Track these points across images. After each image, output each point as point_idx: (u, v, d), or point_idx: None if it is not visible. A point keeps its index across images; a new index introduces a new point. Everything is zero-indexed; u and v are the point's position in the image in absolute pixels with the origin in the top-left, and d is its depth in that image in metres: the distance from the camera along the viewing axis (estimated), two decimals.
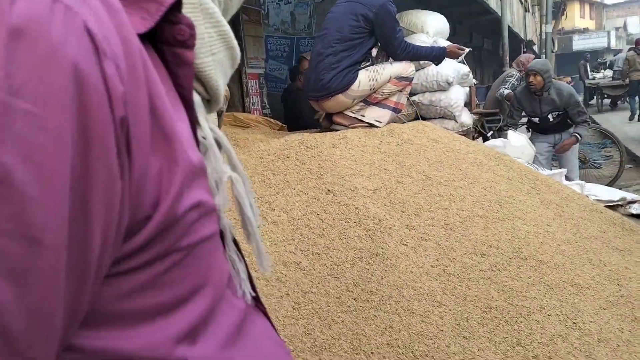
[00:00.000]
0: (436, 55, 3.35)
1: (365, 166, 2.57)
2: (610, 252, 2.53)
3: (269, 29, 8.32)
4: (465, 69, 4.54)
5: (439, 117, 4.53)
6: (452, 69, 4.42)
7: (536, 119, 5.15)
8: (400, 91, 3.26)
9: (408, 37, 4.51)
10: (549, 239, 2.46)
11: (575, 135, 4.96)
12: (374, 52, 3.40)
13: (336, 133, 2.89)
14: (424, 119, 4.50)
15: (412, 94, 4.44)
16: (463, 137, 3.30)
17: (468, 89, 4.86)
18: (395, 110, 3.27)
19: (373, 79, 3.10)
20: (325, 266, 2.04)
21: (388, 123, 3.26)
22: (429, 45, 3.50)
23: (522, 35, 17.25)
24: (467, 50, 3.50)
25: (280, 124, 4.35)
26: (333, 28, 3.15)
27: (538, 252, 2.33)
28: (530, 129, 5.50)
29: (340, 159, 2.57)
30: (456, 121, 4.40)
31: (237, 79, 5.30)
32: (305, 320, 1.85)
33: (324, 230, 2.18)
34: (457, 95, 4.42)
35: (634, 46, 12.88)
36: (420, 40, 4.34)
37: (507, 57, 9.27)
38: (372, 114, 3.21)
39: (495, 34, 13.64)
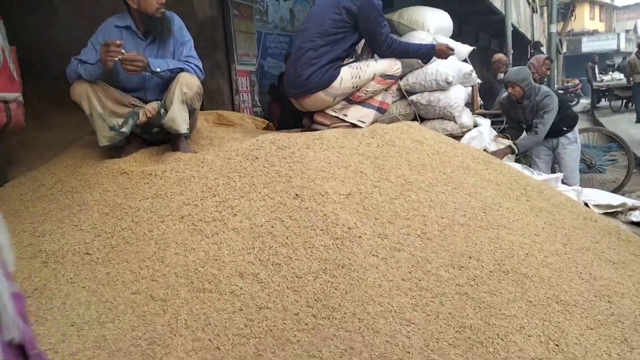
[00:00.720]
0: (424, 54, 3.17)
1: (339, 169, 2.39)
2: (603, 265, 2.34)
3: (268, 26, 8.16)
4: (468, 67, 4.33)
5: (438, 118, 4.33)
6: (453, 67, 4.22)
7: (524, 126, 4.91)
8: (386, 90, 3.08)
9: (407, 35, 4.31)
10: (536, 250, 2.28)
11: (511, 146, 4.43)
12: (360, 48, 3.22)
13: (312, 133, 2.72)
14: (422, 119, 4.31)
15: (410, 93, 4.26)
16: (451, 139, 3.12)
17: (470, 88, 4.65)
18: (380, 110, 3.09)
19: (356, 76, 2.93)
20: (285, 278, 1.87)
21: (372, 123, 3.08)
22: (418, 43, 3.31)
23: (528, 36, 16.99)
24: (454, 52, 3.30)
25: (267, 122, 4.19)
26: (315, 21, 2.98)
27: (522, 264, 2.15)
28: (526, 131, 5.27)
29: (312, 160, 2.40)
30: (456, 122, 4.20)
31: (227, 76, 5.15)
32: (257, 340, 1.68)
33: (287, 238, 2.01)
34: (457, 95, 4.21)
35: (637, 50, 12.66)
36: (420, 37, 4.15)
37: (511, 58, 9.03)
38: (355, 113, 3.03)
39: (502, 34, 13.40)
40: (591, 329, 1.92)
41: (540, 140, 4.50)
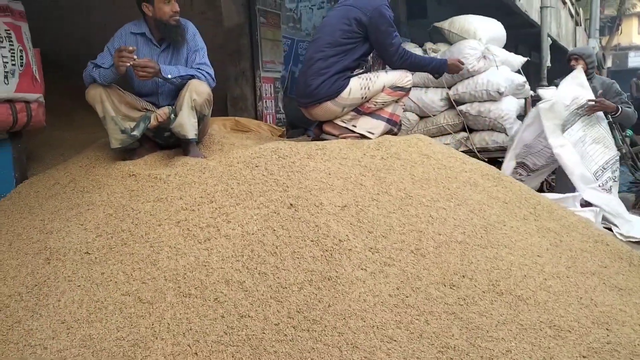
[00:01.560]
0: (435, 67, 3.13)
1: (338, 180, 2.39)
2: (607, 291, 2.26)
3: (301, 34, 8.22)
4: (521, 78, 4.21)
5: (488, 129, 4.24)
6: (505, 77, 4.11)
7: None
8: (396, 102, 3.06)
9: (457, 43, 4.21)
10: (535, 272, 2.22)
11: (618, 106, 4.11)
12: (372, 59, 3.21)
13: (316, 143, 2.72)
14: (471, 130, 4.23)
15: (459, 103, 4.17)
16: (462, 154, 3.07)
17: (523, 100, 4.50)
18: (390, 121, 3.07)
19: (365, 87, 2.92)
20: (270, 288, 1.88)
21: (382, 135, 3.07)
22: (430, 57, 3.27)
23: (570, 49, 16.58)
24: (464, 66, 3.26)
25: (282, 130, 4.21)
26: (325, 32, 3.00)
27: (518, 286, 2.10)
28: None
29: (312, 171, 2.40)
30: (507, 134, 4.10)
31: (251, 83, 5.20)
32: (235, 348, 1.69)
33: (277, 247, 2.02)
34: (508, 107, 4.10)
35: None
36: (470, 46, 4.07)
37: (546, 71, 8.82)
38: (365, 124, 3.02)
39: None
40: (584, 357, 1.86)
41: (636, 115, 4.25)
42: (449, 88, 4.56)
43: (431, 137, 3.71)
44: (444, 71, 3.18)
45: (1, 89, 2.69)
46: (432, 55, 4.70)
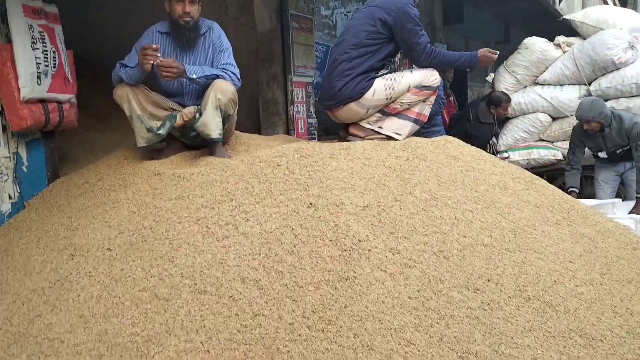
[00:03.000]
0: (466, 62, 3.03)
1: (361, 180, 2.34)
2: None
3: (335, 40, 8.21)
4: None
5: None
6: None
7: (603, 154, 4.55)
8: (424, 101, 2.98)
9: (598, 34, 3.94)
10: (566, 278, 2.11)
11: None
12: (398, 59, 3.15)
13: (340, 143, 2.69)
14: None
15: (605, 99, 3.91)
16: (493, 156, 2.97)
17: None
18: (417, 121, 3.00)
19: (390, 88, 2.86)
20: (285, 287, 1.84)
21: (409, 135, 3.00)
22: (459, 52, 3.16)
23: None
24: (497, 55, 3.12)
25: None
26: (350, 34, 2.96)
27: (547, 292, 2.00)
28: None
29: (334, 170, 2.36)
30: None
31: (283, 87, 5.20)
32: (247, 347, 1.66)
33: (294, 246, 1.98)
34: None
35: None
36: (615, 36, 3.82)
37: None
38: (391, 125, 2.96)
39: None
40: None
41: None
42: (589, 84, 4.25)
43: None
44: (475, 65, 3.06)
45: (34, 89, 2.75)
46: (567, 49, 4.47)
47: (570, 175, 4.45)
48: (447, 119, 7.34)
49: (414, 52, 2.91)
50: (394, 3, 2.91)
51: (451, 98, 7.54)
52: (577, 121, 4.35)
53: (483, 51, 3.09)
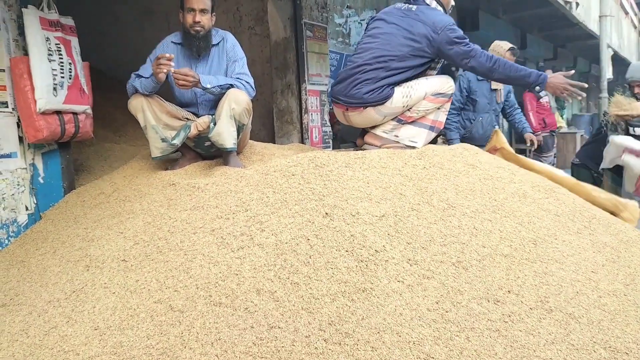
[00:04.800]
0: (532, 77, 2.86)
1: (377, 189, 2.30)
2: None
3: (350, 49, 8.21)
4: None
5: None
6: None
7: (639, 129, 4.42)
8: (439, 109, 2.95)
9: None
10: (589, 288, 2.05)
11: None
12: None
13: (356, 152, 2.65)
14: None
15: None
16: (512, 164, 2.92)
17: None
18: (433, 129, 2.96)
19: (407, 95, 2.83)
20: (301, 298, 1.81)
21: (426, 143, 2.96)
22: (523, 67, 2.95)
23: (633, 61, 15.89)
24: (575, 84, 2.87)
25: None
26: (382, 41, 2.87)
27: (569, 303, 1.94)
28: None
29: (350, 179, 2.33)
30: None
31: (297, 95, 5.20)
32: None
33: (310, 257, 1.95)
34: None
35: None
36: None
37: (605, 83, 8.44)
38: (407, 133, 2.93)
39: None
40: None
41: None
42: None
43: None
44: (542, 85, 2.87)
45: (50, 100, 2.77)
46: None
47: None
48: (534, 122, 7.18)
49: (472, 59, 2.83)
50: (438, 21, 2.85)
51: (547, 99, 7.44)
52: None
53: (557, 78, 2.89)
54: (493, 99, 4.76)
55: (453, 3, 3.17)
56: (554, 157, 7.66)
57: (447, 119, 4.24)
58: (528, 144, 5.11)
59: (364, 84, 2.85)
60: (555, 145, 7.70)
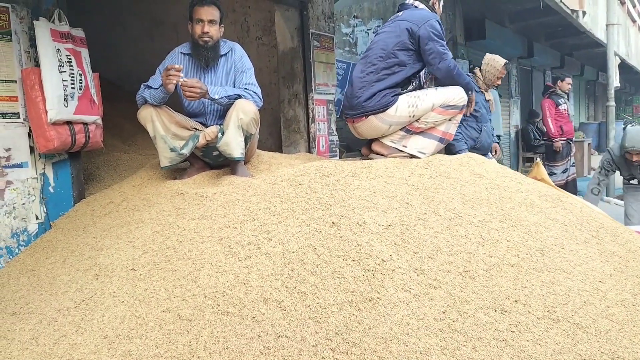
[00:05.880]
0: (467, 86, 3.05)
1: (383, 199, 2.32)
2: None
3: (356, 58, 8.25)
4: None
5: None
6: None
7: (635, 182, 4.49)
8: (449, 120, 2.96)
9: None
10: (597, 298, 2.05)
11: None
12: (424, 77, 3.13)
13: (362, 162, 2.67)
14: None
15: None
16: (519, 174, 2.92)
17: None
18: (442, 140, 2.97)
19: (413, 106, 2.84)
20: (308, 308, 1.82)
21: (433, 154, 2.97)
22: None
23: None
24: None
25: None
26: (377, 46, 2.97)
27: (577, 313, 1.94)
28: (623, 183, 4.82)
29: (357, 189, 2.34)
30: None
31: (304, 104, 5.23)
32: None
33: (317, 266, 1.96)
34: None
35: None
36: None
37: (612, 91, 8.41)
38: (415, 144, 2.94)
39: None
40: None
41: None
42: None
43: None
44: (468, 92, 3.08)
45: (61, 111, 2.81)
46: None
47: (592, 199, 4.40)
48: (552, 128, 7.21)
49: (443, 61, 2.88)
50: (421, 16, 2.94)
51: (565, 106, 7.46)
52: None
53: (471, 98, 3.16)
54: (488, 108, 4.84)
55: (441, 10, 3.23)
56: (572, 165, 7.59)
57: None
58: (493, 153, 5.14)
59: (361, 92, 2.91)
60: (573, 155, 7.65)
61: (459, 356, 1.70)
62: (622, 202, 5.47)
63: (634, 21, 14.87)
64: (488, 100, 4.86)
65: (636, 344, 1.86)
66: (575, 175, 7.84)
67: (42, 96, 2.74)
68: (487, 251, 2.16)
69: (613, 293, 2.11)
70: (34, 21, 2.74)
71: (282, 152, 4.77)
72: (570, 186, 7.37)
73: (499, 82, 4.65)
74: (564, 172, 7.44)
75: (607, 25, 8.96)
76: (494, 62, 4.63)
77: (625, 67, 13.99)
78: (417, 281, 1.94)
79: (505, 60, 4.66)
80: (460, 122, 4.77)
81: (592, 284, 2.13)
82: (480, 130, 4.83)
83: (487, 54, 4.73)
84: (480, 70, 4.62)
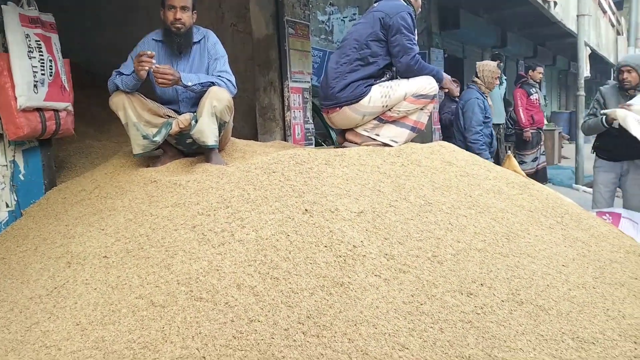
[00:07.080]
0: (436, 75, 3.09)
1: (356, 186, 2.36)
2: (637, 303, 2.15)
3: (332, 46, 8.25)
4: None
5: None
6: None
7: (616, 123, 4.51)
8: (421, 109, 3.01)
9: None
10: (559, 281, 2.13)
11: None
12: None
13: (335, 150, 2.70)
14: None
15: None
16: (487, 161, 2.99)
17: None
18: (414, 129, 3.02)
19: (385, 96, 2.89)
20: (281, 293, 1.85)
21: (405, 143, 3.02)
22: (434, 67, 3.19)
23: (611, 60, 16.16)
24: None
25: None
26: (352, 37, 3.00)
27: (540, 296, 2.01)
28: (596, 154, 4.85)
29: (329, 176, 2.38)
30: None
31: (279, 92, 5.23)
32: (243, 352, 1.67)
33: (290, 253, 2.00)
34: None
35: None
36: None
37: (582, 81, 8.59)
38: (388, 132, 2.98)
39: None
40: None
41: None
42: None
43: None
44: (439, 81, 3.11)
45: (31, 97, 2.77)
46: None
47: (593, 123, 4.46)
48: (523, 118, 7.35)
49: (406, 56, 2.92)
50: (394, 7, 2.97)
51: (537, 96, 7.58)
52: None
53: (448, 80, 3.20)
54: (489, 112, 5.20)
55: (419, 3, 3.26)
56: (542, 154, 7.75)
57: (477, 139, 4.58)
58: None
59: (335, 82, 2.94)
60: (542, 143, 7.81)
61: (426, 337, 1.76)
62: (590, 190, 5.59)
63: (604, 12, 15.14)
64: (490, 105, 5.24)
65: (595, 324, 1.94)
66: (546, 163, 8.01)
67: (12, 82, 2.70)
68: (455, 237, 2.22)
69: (575, 276, 2.19)
70: (1, 6, 2.69)
71: (257, 140, 4.77)
72: (540, 174, 7.53)
73: (497, 81, 5.22)
74: (534, 160, 7.60)
75: (577, 15, 9.13)
76: (487, 66, 5.11)
77: (596, 57, 14.26)
78: (387, 266, 1.99)
79: (495, 62, 5.11)
80: (479, 132, 4.89)
81: (555, 267, 2.21)
82: (491, 135, 5.10)
83: (477, 62, 5.23)
84: (477, 77, 5.11)
